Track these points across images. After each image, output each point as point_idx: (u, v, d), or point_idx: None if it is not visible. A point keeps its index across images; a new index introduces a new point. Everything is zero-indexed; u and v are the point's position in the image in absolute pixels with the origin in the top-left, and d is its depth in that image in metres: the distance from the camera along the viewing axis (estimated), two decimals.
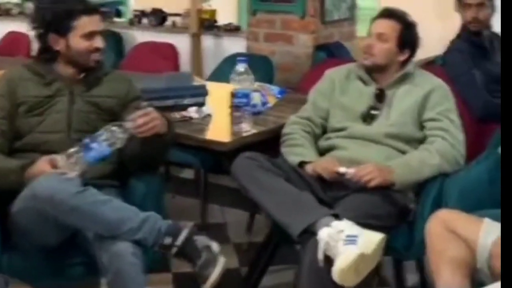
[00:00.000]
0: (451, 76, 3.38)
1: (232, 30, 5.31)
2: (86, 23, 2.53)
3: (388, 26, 2.79)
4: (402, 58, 2.81)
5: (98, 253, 2.29)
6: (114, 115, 2.60)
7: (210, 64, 4.78)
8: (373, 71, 2.83)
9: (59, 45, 2.54)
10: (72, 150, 2.36)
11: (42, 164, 2.35)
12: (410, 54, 2.83)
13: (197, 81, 3.46)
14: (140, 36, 5.48)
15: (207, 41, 5.22)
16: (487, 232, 2.11)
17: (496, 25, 3.65)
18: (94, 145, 2.34)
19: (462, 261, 2.08)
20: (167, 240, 2.29)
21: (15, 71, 2.65)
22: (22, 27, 5.52)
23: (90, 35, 2.54)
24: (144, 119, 2.38)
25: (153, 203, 2.49)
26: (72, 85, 2.59)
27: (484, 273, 2.09)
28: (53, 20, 2.54)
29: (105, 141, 2.35)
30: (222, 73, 4.00)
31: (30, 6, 5.78)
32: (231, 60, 3.95)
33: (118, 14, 5.51)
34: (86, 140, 2.35)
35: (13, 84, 2.56)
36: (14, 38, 5.48)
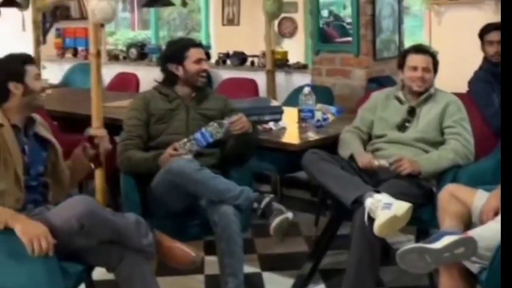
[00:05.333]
0: (474, 99, 4.10)
1: (300, 67, 5.97)
2: (194, 52, 3.46)
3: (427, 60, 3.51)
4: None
5: (210, 214, 3.04)
6: None
7: (282, 95, 5.42)
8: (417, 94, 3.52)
9: (178, 70, 3.47)
10: (186, 140, 3.24)
11: (168, 149, 3.21)
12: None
13: (275, 103, 4.17)
14: (225, 73, 6.23)
15: (280, 76, 5.79)
16: (479, 198, 2.83)
17: None
18: (201, 136, 3.24)
19: (459, 215, 2.79)
20: (255, 205, 3.05)
21: (147, 92, 3.59)
22: (128, 68, 6.62)
23: (198, 61, 3.45)
24: (237, 119, 3.28)
25: (245, 185, 3.14)
26: (187, 101, 3.47)
27: (477, 226, 2.76)
28: (172, 54, 3.50)
29: (209, 133, 3.24)
30: (293, 101, 4.68)
31: (133, 52, 6.89)
32: (299, 91, 4.56)
33: (208, 56, 6.02)
34: (197, 134, 3.24)
35: (146, 101, 3.45)
36: (123, 77, 6.43)
